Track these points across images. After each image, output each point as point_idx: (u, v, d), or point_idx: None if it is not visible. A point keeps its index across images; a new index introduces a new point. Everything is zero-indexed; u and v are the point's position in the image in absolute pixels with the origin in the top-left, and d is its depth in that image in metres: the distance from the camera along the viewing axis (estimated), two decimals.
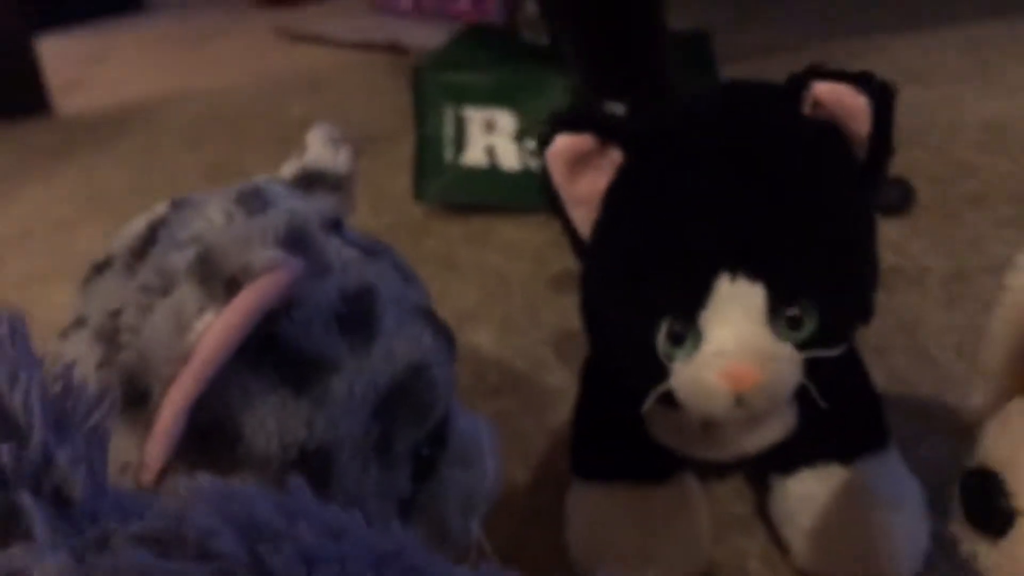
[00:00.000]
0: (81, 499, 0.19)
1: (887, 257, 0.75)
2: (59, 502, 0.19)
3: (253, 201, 0.34)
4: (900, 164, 0.88)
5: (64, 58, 2.01)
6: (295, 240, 0.29)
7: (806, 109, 0.42)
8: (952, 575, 0.48)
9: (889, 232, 0.79)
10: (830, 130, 0.42)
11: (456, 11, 1.92)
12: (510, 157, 0.95)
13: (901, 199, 0.81)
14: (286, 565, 0.17)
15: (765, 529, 0.53)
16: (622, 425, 0.50)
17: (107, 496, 0.20)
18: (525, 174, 0.93)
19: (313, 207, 0.34)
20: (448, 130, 0.97)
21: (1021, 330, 0.33)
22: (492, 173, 0.96)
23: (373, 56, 1.85)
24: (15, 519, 0.18)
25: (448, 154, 0.98)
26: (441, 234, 0.96)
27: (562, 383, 0.68)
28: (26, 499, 0.18)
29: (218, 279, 0.28)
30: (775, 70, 0.43)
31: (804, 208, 0.41)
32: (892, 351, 0.65)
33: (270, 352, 0.30)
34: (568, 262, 0.62)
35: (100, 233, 0.68)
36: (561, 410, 0.65)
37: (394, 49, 1.82)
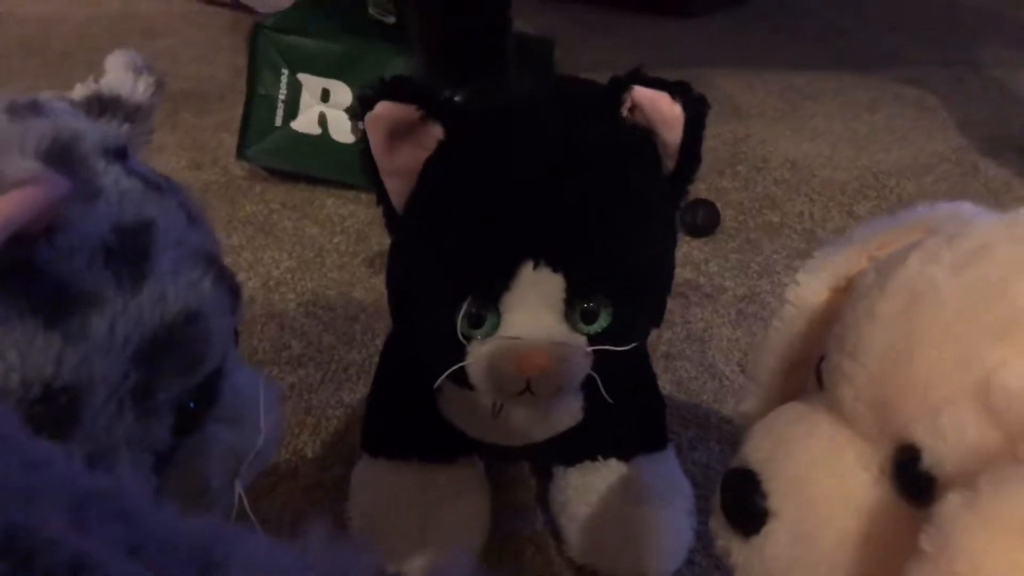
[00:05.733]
0: None
1: (687, 273, 0.80)
2: None
3: (25, 112, 0.30)
4: (710, 191, 0.94)
5: None
6: (60, 156, 0.26)
7: (624, 112, 0.43)
8: (709, 572, 0.51)
9: (692, 251, 0.84)
10: (644, 137, 0.44)
11: None
12: (342, 129, 0.92)
13: (708, 221, 0.86)
14: None
15: (543, 518, 0.54)
16: (415, 404, 0.50)
17: None
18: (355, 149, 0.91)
19: (94, 128, 0.31)
20: (282, 92, 0.93)
21: (794, 341, 0.36)
22: (322, 143, 0.93)
23: (216, 11, 1.75)
24: None
25: (279, 117, 0.94)
26: (261, 199, 0.92)
27: (365, 360, 0.67)
28: None
29: None
30: None
31: (611, 207, 0.42)
32: (680, 360, 0.69)
33: (22, 278, 0.27)
34: (387, 242, 0.61)
35: None
36: (360, 387, 0.64)
37: (238, 7, 1.74)
